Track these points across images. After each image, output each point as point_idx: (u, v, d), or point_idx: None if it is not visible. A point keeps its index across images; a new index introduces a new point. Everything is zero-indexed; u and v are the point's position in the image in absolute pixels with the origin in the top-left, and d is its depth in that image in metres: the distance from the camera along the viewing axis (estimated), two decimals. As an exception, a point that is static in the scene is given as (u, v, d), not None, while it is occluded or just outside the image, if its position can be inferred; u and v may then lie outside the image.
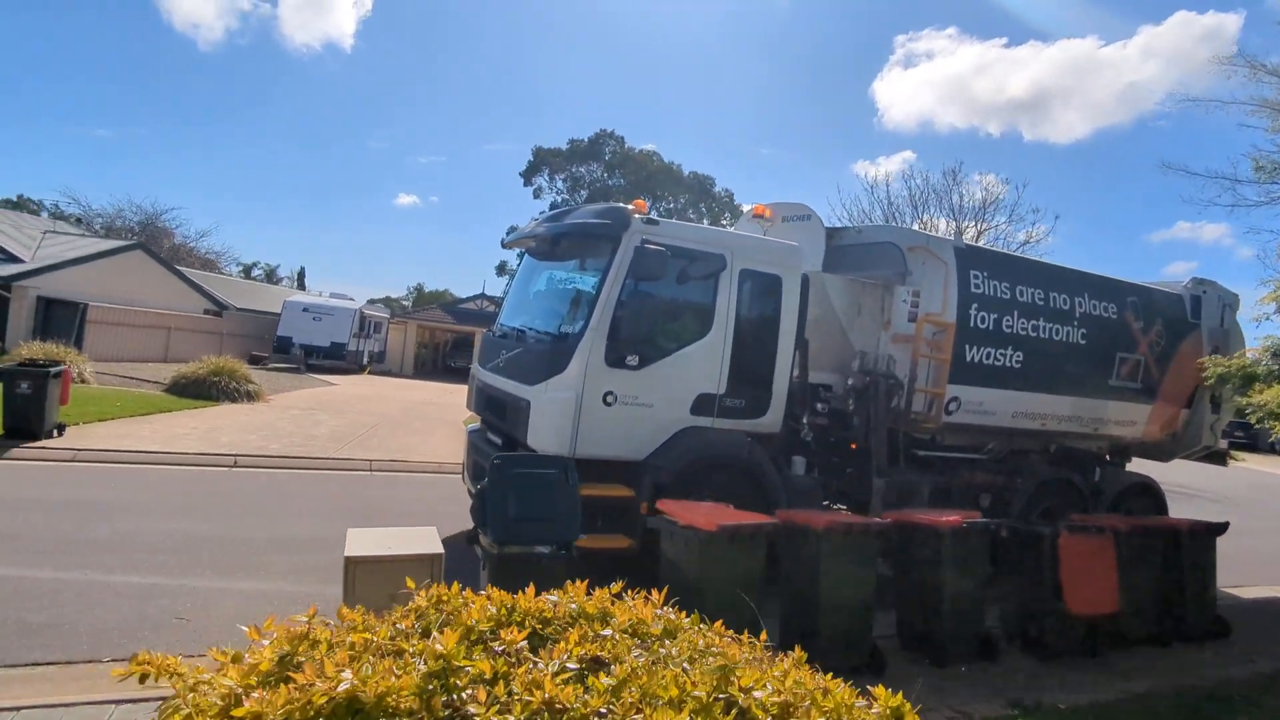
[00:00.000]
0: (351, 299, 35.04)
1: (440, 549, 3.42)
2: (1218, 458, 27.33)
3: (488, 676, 1.88)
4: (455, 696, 1.80)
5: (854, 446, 8.01)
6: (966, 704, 4.96)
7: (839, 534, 5.38)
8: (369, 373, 32.30)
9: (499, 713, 1.75)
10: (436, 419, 17.99)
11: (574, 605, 2.42)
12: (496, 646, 2.06)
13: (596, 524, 6.36)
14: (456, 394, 25.89)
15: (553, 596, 2.45)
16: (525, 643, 2.10)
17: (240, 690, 1.84)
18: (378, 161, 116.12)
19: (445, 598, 2.38)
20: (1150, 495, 9.97)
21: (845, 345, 8.03)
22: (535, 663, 1.99)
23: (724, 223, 67.24)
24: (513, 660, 2.00)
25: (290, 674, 1.88)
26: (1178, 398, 10.28)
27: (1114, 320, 9.45)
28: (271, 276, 70.77)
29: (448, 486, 10.63)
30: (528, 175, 69.88)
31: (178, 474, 9.91)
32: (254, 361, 25.37)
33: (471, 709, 1.75)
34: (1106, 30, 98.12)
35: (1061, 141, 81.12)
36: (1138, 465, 11.07)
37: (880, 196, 29.02)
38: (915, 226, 25.02)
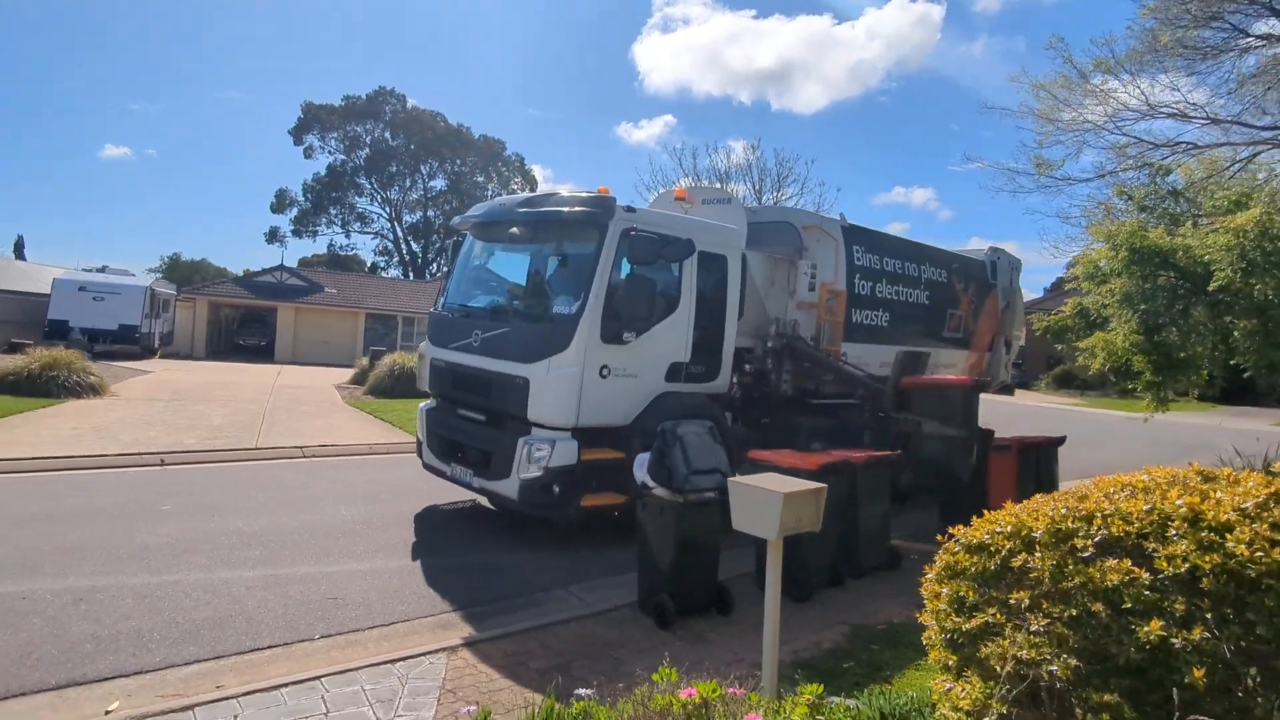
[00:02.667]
0: (133, 274, 31.06)
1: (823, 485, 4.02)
2: (1008, 390, 32.92)
3: None
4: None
5: (770, 397, 9.34)
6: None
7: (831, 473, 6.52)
8: (159, 356, 29.02)
9: None
10: (315, 401, 17.19)
11: None
12: None
13: (592, 484, 7.10)
14: (294, 375, 24.38)
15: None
16: None
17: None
18: (74, 108, 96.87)
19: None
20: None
21: (763, 313, 9.25)
22: None
23: (514, 187, 66.94)
24: None
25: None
26: (983, 344, 12.81)
27: (945, 283, 11.60)
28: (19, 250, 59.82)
29: (403, 467, 10.60)
30: (297, 133, 64.56)
31: (115, 477, 9.12)
32: (13, 349, 21.97)
33: None
34: (840, 9, 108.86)
35: (804, 112, 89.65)
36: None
37: (682, 164, 31.11)
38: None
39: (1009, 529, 2.50)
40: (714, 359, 8.07)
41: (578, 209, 7.15)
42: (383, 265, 65.40)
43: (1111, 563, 2.15)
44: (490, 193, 66.12)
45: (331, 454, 11.40)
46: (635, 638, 5.12)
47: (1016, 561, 2.38)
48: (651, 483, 5.44)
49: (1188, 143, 14.91)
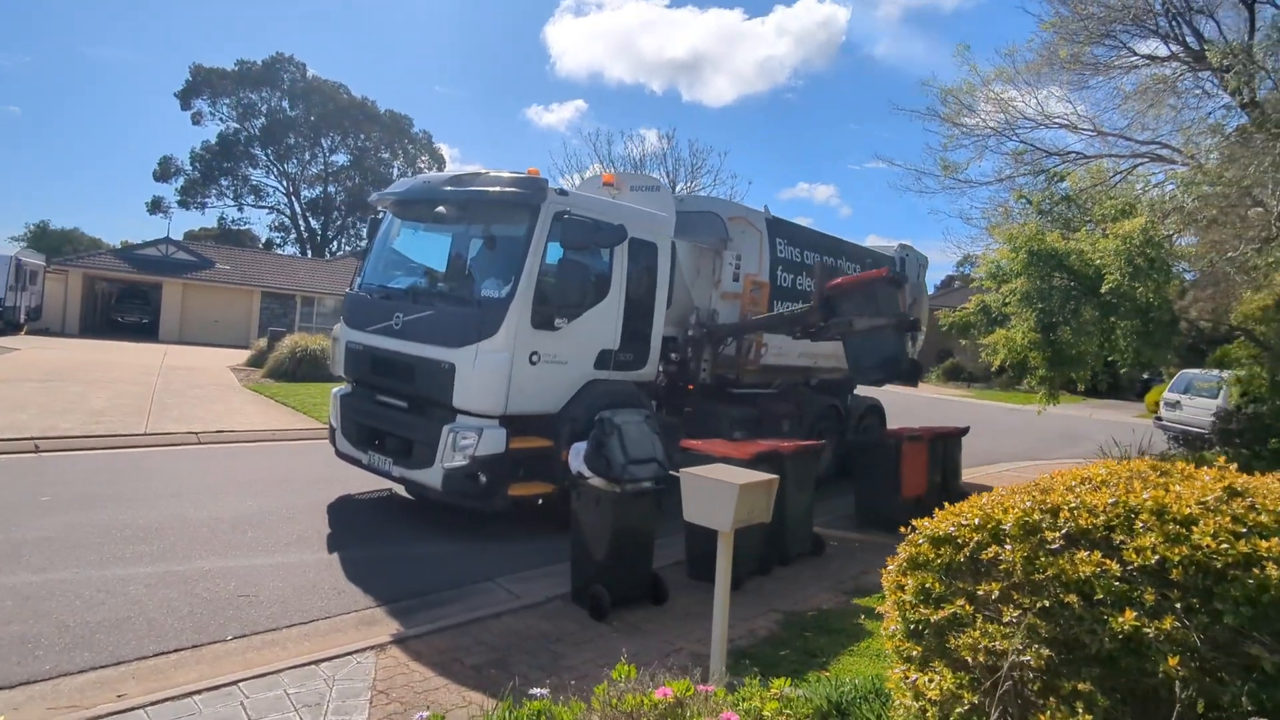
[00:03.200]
0: (-7, 242, 28.18)
1: (775, 476, 3.97)
2: (912, 382, 34.43)
3: None
4: None
5: (690, 388, 9.38)
6: (815, 594, 6.63)
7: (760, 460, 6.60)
8: (26, 333, 26.55)
9: None
10: (209, 384, 16.06)
11: None
12: None
13: (519, 473, 6.94)
14: (183, 355, 22.80)
15: None
16: None
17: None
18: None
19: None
20: (878, 413, 12.91)
21: (688, 303, 9.26)
22: None
23: (421, 165, 64.83)
24: None
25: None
26: (892, 337, 13.28)
27: (859, 278, 11.93)
28: None
29: (312, 454, 10.09)
30: (185, 97, 60.36)
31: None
32: None
33: None
34: (750, 4, 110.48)
35: (714, 104, 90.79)
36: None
37: (596, 149, 30.97)
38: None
39: (975, 521, 2.55)
40: (643, 347, 8.02)
41: (509, 190, 6.92)
42: (279, 242, 62.14)
43: (1082, 554, 2.22)
44: (396, 170, 63.80)
45: (230, 440, 10.70)
46: (571, 630, 5.03)
47: (987, 554, 2.43)
48: (588, 472, 5.34)
49: (1076, 152, 15.92)
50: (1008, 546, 2.39)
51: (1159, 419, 20.82)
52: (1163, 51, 14.11)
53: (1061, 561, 2.25)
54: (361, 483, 8.30)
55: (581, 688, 4.12)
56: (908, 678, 2.69)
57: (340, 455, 7.91)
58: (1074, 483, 2.62)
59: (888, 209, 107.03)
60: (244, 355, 21.88)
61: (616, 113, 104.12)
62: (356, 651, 4.46)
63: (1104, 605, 2.14)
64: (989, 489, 8.61)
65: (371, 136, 63.74)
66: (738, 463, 6.05)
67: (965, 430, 10.64)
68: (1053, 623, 2.21)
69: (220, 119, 59.98)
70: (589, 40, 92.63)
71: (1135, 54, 13.76)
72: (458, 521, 7.29)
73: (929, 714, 2.52)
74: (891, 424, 13.14)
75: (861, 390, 14.05)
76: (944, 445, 9.86)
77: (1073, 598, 2.15)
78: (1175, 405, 20.09)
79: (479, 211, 7.24)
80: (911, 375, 8.80)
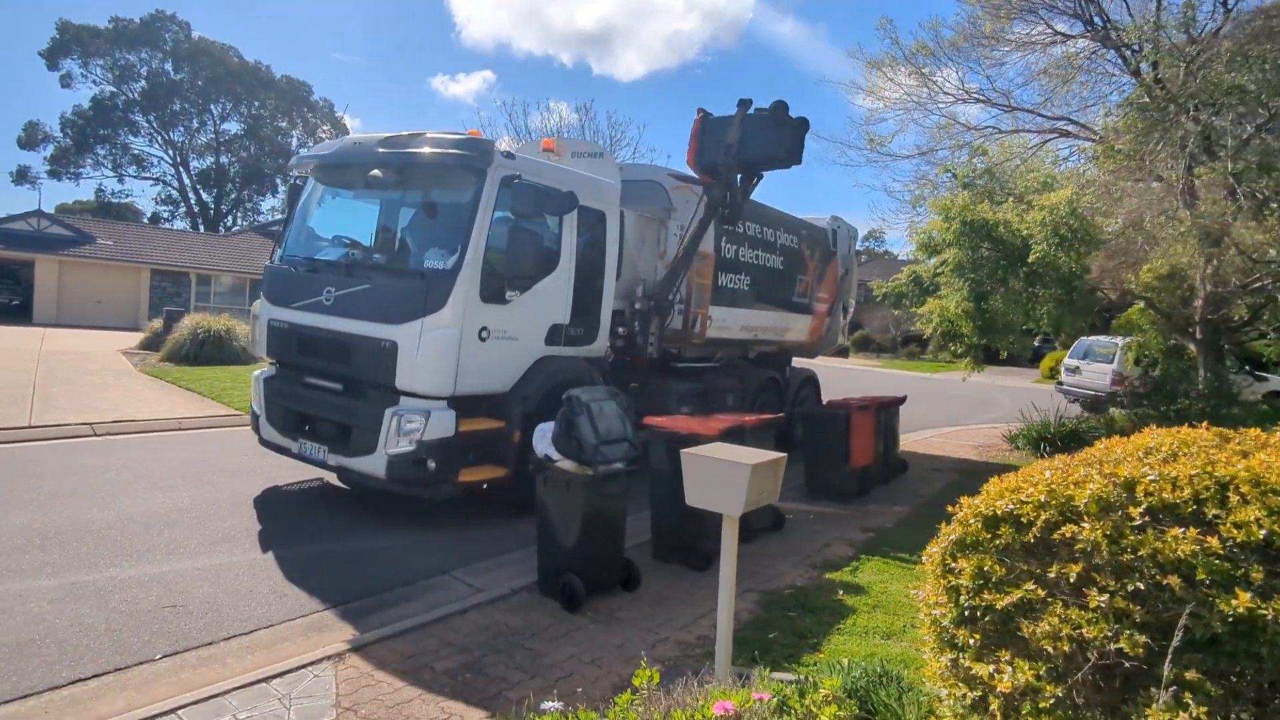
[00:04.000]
0: None
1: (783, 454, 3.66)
2: (842, 353, 34.98)
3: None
4: None
5: (639, 362, 9.10)
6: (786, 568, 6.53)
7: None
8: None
9: None
10: (101, 370, 14.61)
11: None
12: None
13: (469, 457, 6.50)
14: (65, 339, 20.84)
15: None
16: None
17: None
18: None
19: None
20: (814, 384, 12.97)
21: (633, 274, 8.93)
22: None
23: (323, 134, 61.51)
24: None
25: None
26: (824, 310, 13.36)
27: (796, 249, 11.88)
28: None
29: (227, 442, 9.29)
30: (52, 56, 55.12)
31: None
32: None
33: None
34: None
35: (624, 79, 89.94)
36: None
37: (512, 120, 30.09)
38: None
39: (1041, 499, 2.35)
40: (593, 321, 7.67)
41: (452, 152, 6.38)
42: (166, 216, 57.87)
43: (1176, 531, 2.05)
44: (295, 141, 60.35)
45: (132, 430, 9.72)
46: (544, 624, 4.69)
47: (1061, 533, 2.24)
48: (556, 455, 4.98)
49: (992, 127, 16.36)
50: (1085, 525, 2.20)
51: (1060, 384, 21.90)
52: (1076, 29, 14.57)
53: (1152, 539, 2.07)
54: (289, 472, 7.65)
55: (570, 690, 3.82)
56: (961, 666, 2.49)
57: (265, 444, 7.25)
58: (1120, 452, 2.47)
59: (796, 186, 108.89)
60: (136, 338, 20.18)
61: (526, 84, 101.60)
62: (312, 664, 3.99)
63: (1205, 586, 1.98)
64: (930, 457, 8.61)
65: (267, 104, 59.88)
66: (706, 439, 5.82)
67: (903, 399, 10.78)
68: (1147, 606, 2.04)
69: (94, 81, 55.06)
70: (495, 8, 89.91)
71: (1053, 29, 14.13)
72: (401, 511, 6.80)
73: (993, 706, 2.33)
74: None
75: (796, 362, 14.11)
76: (886, 414, 9.94)
77: (1174, 579, 1.98)
78: (1075, 370, 21.16)
79: (418, 176, 6.67)
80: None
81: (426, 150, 6.44)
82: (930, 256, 12.41)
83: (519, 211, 6.40)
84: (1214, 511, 2.07)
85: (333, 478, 7.61)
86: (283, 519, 6.59)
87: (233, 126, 58.94)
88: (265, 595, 4.96)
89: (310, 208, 7.52)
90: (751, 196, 11.10)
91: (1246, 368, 17.74)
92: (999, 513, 2.45)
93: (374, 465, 6.22)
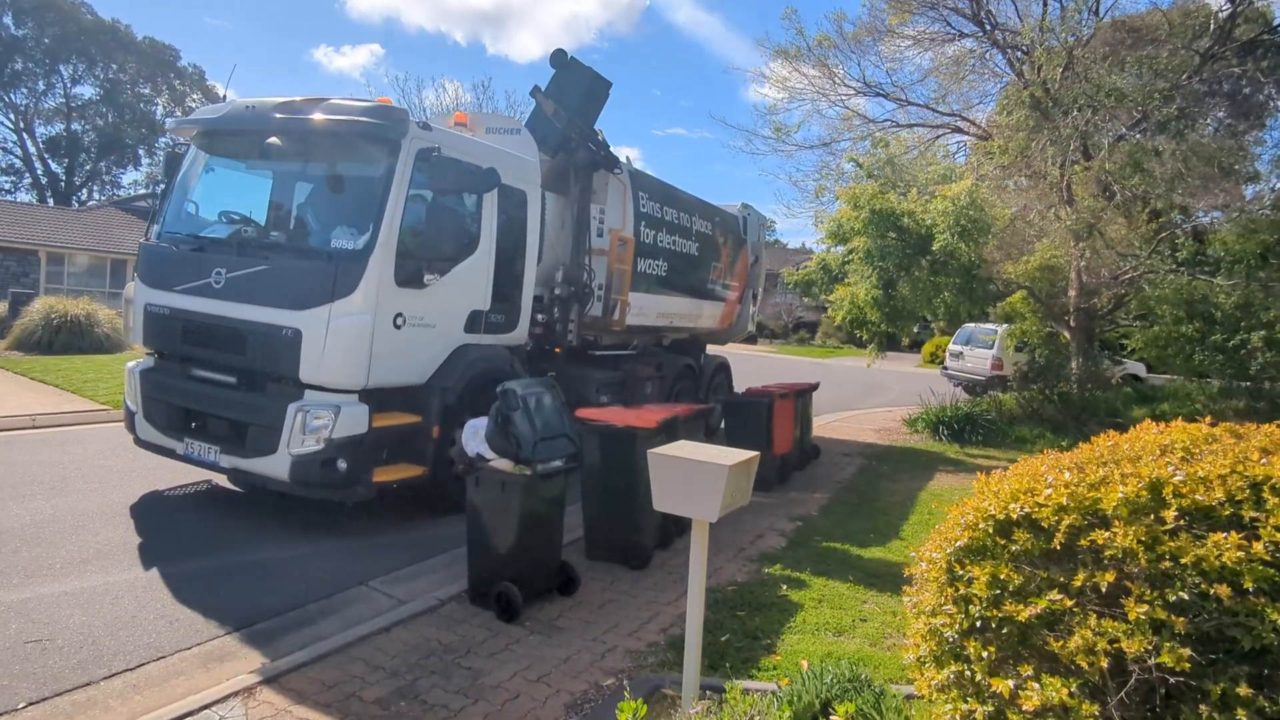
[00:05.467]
0: None
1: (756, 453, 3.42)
2: (750, 340, 35.33)
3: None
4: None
5: (559, 350, 8.74)
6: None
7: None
8: None
9: None
10: None
11: None
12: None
13: (383, 455, 5.98)
14: None
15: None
16: None
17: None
18: None
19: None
20: (726, 371, 12.96)
21: (554, 258, 8.53)
22: None
23: (192, 103, 56.88)
24: None
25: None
26: (735, 297, 13.37)
27: (710, 236, 11.79)
28: None
29: (92, 442, 8.24)
30: None
31: None
32: None
33: None
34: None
35: (520, 60, 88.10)
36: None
37: (405, 96, 28.75)
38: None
39: (1060, 501, 2.22)
40: (514, 307, 7.25)
41: (362, 120, 5.79)
42: (8, 188, 52.00)
43: (1218, 537, 1.94)
44: (159, 109, 55.61)
45: (-27, 431, 8.50)
46: (480, 638, 4.30)
47: (1090, 539, 2.11)
48: (490, 454, 4.59)
49: (891, 121, 16.88)
50: (1117, 530, 2.07)
51: (945, 368, 22.96)
52: (968, 29, 15.15)
53: (1192, 545, 1.96)
54: (171, 475, 6.84)
55: (521, 713, 3.49)
56: (971, 680, 2.34)
57: (142, 444, 6.44)
58: (1156, 451, 2.37)
59: (694, 173, 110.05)
60: (-26, 323, 17.92)
61: (417, 60, 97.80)
62: (216, 702, 3.46)
63: (1251, 594, 1.88)
64: (836, 441, 8.66)
65: (126, 67, 54.71)
66: (647, 430, 5.57)
67: (816, 386, 10.90)
68: (1186, 617, 1.92)
69: (-80, 37, 48.78)
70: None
71: (949, 25, 14.62)
72: (304, 515, 6.19)
73: (1010, 725, 2.18)
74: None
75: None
76: (803, 400, 10.01)
77: (1223, 589, 1.87)
78: (959, 356, 22.22)
79: (322, 145, 6.04)
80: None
81: (334, 118, 5.81)
82: (839, 244, 12.59)
83: (437, 187, 5.92)
84: (1251, 514, 1.99)
85: (223, 479, 6.87)
86: (167, 530, 5.84)
87: (86, 90, 53.63)
88: (152, 621, 4.33)
89: (192, 179, 6.69)
90: (665, 182, 10.94)
91: (1106, 352, 19.19)
92: (1014, 517, 2.30)
93: (276, 467, 5.60)
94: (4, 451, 7.73)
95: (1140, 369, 20.05)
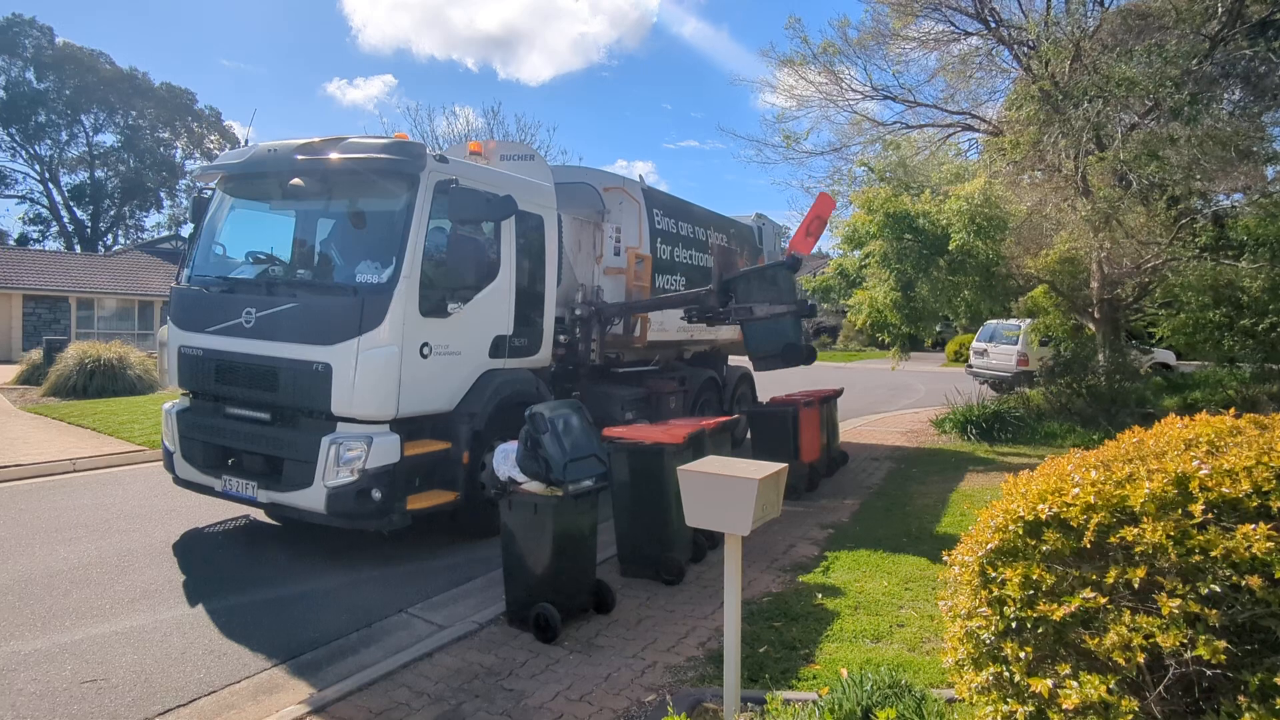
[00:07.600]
0: None
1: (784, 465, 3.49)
2: (808, 362, 36.11)
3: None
4: None
5: (582, 369, 8.83)
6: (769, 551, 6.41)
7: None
8: None
9: None
10: None
11: None
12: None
13: (415, 483, 6.09)
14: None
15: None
16: None
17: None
18: None
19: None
20: (749, 381, 12.97)
21: (572, 280, 8.65)
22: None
23: (210, 144, 58.14)
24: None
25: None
26: (755, 305, 13.38)
27: (725, 248, 11.85)
28: None
29: (132, 484, 8.45)
30: (-106, 65, 50.16)
31: None
32: None
33: None
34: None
35: (530, 82, 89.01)
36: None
37: (417, 125, 29.25)
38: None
39: (1088, 500, 2.24)
40: (536, 330, 7.35)
41: (381, 157, 5.94)
42: (36, 237, 53.45)
43: (1247, 528, 1.97)
44: (178, 153, 56.98)
45: (17, 477, 8.71)
46: (521, 660, 4.37)
47: (1120, 536, 2.13)
48: (521, 477, 4.67)
49: (900, 123, 16.86)
50: (1146, 527, 2.10)
51: (970, 366, 22.76)
52: (972, 27, 15.15)
53: (1221, 537, 1.98)
54: (210, 511, 7.01)
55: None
56: (1010, 682, 2.37)
57: (181, 483, 6.60)
58: (1181, 446, 2.40)
59: (708, 185, 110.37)
60: (12, 371, 18.41)
61: (430, 89, 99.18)
62: (269, 733, 3.56)
63: (1281, 584, 1.90)
64: (864, 446, 8.61)
65: (145, 113, 56.09)
66: (674, 446, 5.63)
67: (840, 391, 10.89)
68: (1223, 610, 1.94)
69: (-57, 92, 50.40)
70: (393, 11, 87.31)
71: (953, 25, 14.63)
72: (340, 545, 6.31)
73: (1053, 723, 2.20)
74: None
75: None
76: (828, 407, 10.01)
77: (1255, 580, 1.89)
78: (983, 353, 22.00)
79: (344, 184, 6.20)
80: (808, 357, 8.81)
81: (353, 156, 5.97)
82: (855, 249, 12.60)
83: (457, 217, 6.05)
84: (1278, 504, 2.01)
85: (260, 514, 7.01)
86: (209, 566, 5.99)
87: (107, 138, 55.08)
88: (201, 657, 4.44)
89: (219, 222, 6.89)
90: (677, 196, 11.05)
91: (1134, 341, 18.93)
92: (1043, 517, 2.33)
93: (312, 499, 5.72)
94: (48, 496, 7.95)
95: (1170, 357, 19.74)
